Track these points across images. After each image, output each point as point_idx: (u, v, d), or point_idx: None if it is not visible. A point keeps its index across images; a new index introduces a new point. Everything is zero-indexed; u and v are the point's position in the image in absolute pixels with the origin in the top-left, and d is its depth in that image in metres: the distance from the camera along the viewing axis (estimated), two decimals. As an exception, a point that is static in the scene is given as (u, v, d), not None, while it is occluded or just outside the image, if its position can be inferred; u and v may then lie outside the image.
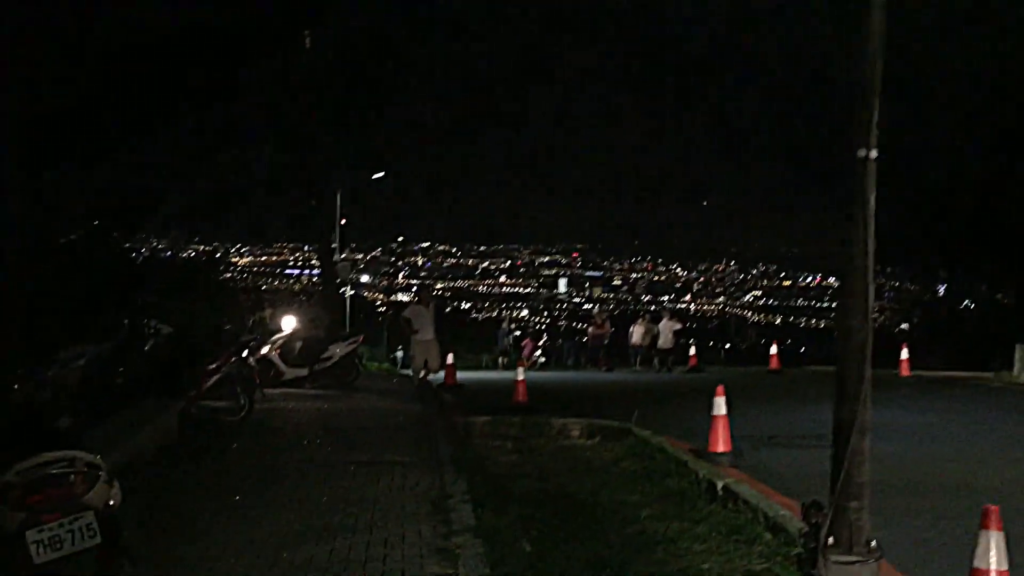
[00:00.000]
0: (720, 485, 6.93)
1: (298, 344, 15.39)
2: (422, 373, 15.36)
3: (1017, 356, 16.42)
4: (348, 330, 23.94)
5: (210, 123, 21.08)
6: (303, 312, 16.68)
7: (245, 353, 10.84)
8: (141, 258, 18.70)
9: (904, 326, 42.73)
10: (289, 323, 15.92)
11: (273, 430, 10.46)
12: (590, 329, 28.06)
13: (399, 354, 39.69)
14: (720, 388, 8.43)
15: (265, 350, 14.46)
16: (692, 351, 24.08)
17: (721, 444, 8.25)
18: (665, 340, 23.99)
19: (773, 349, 21.75)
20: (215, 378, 10.28)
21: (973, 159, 28.42)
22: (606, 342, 26.54)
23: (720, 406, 8.34)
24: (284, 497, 7.06)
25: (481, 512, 6.49)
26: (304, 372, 15.05)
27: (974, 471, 8.08)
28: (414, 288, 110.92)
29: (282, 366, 14.87)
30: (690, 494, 7.17)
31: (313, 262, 61.86)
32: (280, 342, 15.15)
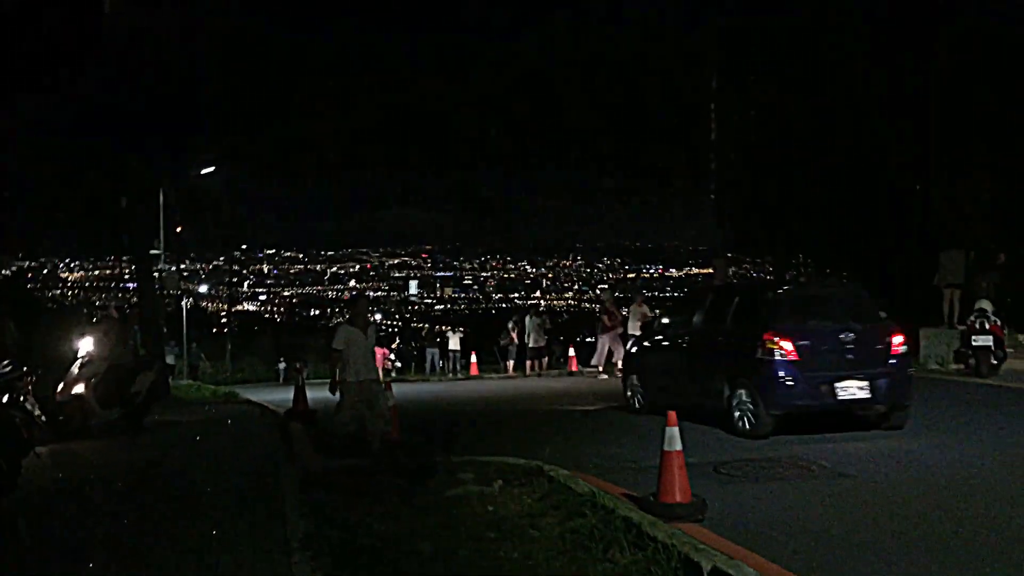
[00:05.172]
0: (707, 568, 4.73)
1: (106, 376, 11.78)
2: (352, 427, 9.48)
3: (923, 344, 15.21)
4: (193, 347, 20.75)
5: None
6: (104, 331, 12.73)
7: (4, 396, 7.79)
8: None
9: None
10: (88, 345, 11.87)
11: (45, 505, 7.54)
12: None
13: (281, 366, 35.59)
14: (672, 415, 6.25)
15: (79, 389, 11.18)
16: (571, 352, 22.12)
17: (678, 492, 6.06)
18: (537, 338, 22.01)
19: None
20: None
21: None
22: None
23: (674, 439, 6.16)
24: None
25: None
26: (116, 414, 11.74)
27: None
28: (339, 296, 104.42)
29: (96, 406, 11.36)
30: (658, 578, 4.93)
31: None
32: (93, 377, 11.48)
